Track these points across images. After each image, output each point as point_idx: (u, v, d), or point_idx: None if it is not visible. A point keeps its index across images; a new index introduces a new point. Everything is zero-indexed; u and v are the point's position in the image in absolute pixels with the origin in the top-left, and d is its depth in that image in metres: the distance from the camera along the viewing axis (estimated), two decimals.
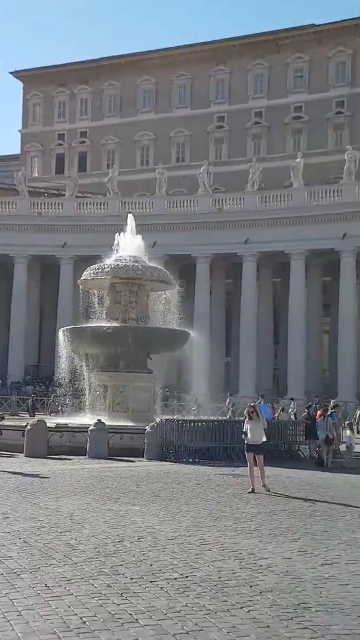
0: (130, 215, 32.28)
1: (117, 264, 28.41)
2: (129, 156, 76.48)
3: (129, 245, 30.31)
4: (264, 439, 16.04)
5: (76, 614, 6.54)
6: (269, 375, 53.18)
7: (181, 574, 8.06)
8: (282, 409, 31.89)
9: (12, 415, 35.21)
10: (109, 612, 6.63)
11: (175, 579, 7.87)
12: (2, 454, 20.91)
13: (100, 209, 55.46)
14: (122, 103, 78.30)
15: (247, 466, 15.95)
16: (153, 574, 8.04)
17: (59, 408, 36.78)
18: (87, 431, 21.26)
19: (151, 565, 8.43)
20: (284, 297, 52.70)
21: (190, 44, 76.21)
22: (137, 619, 6.46)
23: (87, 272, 29.09)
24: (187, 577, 7.97)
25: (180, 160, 74.17)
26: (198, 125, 73.91)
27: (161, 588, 7.49)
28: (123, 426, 23.47)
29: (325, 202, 49.58)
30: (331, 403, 24.54)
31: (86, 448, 20.88)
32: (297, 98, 71.37)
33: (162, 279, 28.90)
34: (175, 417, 25.14)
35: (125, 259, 28.82)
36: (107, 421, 22.65)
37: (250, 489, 15.00)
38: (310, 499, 14.26)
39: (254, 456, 15.59)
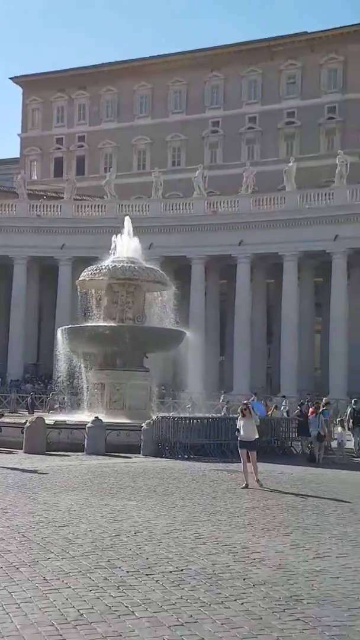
0: (127, 218, 32.25)
1: (115, 265, 28.40)
2: (126, 160, 76.44)
3: (126, 246, 30.30)
4: (256, 435, 16.06)
5: (74, 607, 6.53)
6: (262, 373, 53.19)
7: (176, 567, 8.05)
8: (276, 407, 31.93)
9: (12, 413, 35.10)
10: (106, 605, 6.62)
11: (171, 572, 7.87)
12: (1, 450, 20.84)
13: (97, 211, 55.42)
14: (119, 108, 78.26)
15: (240, 462, 15.96)
16: (149, 567, 8.04)
17: (58, 405, 36.74)
18: (84, 428, 21.24)
19: (147, 558, 8.43)
20: (277, 298, 52.71)
21: (185, 51, 76.29)
22: (133, 611, 6.46)
23: (85, 273, 29.08)
24: (182, 570, 7.96)
25: (176, 164, 74.13)
26: (193, 130, 73.91)
27: (157, 581, 7.48)
28: (120, 423, 23.46)
29: (317, 205, 49.61)
30: (323, 401, 24.57)
31: (84, 444, 20.85)
32: (290, 104, 71.42)
33: (158, 279, 28.90)
34: (171, 414, 25.13)
35: (122, 260, 28.82)
36: (105, 418, 22.63)
37: (244, 485, 15.01)
38: (302, 494, 14.27)
39: (247, 452, 15.60)
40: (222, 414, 32.66)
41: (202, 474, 17.19)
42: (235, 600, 6.89)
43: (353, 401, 27.12)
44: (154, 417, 22.21)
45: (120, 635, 5.83)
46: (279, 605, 6.78)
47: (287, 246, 48.82)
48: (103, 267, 28.55)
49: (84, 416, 25.08)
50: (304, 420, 23.11)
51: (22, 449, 20.80)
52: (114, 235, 31.06)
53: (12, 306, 54.31)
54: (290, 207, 49.77)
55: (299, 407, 25.89)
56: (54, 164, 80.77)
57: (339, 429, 22.96)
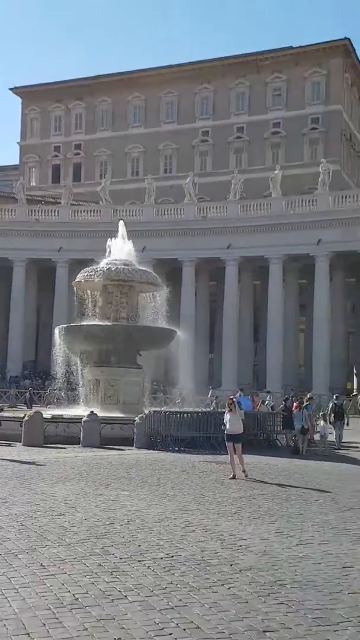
0: (121, 222, 32.20)
1: (109, 267, 28.34)
2: (120, 167, 76.34)
3: (120, 249, 30.24)
4: (242, 429, 16.04)
5: (69, 591, 6.52)
6: (249, 370, 53.24)
7: (167, 554, 8.06)
8: (263, 402, 31.92)
9: (11, 407, 35.01)
10: (100, 590, 6.62)
11: (162, 558, 7.87)
12: (1, 443, 20.79)
13: (93, 216, 55.31)
14: (114, 118, 78.14)
15: (228, 454, 15.96)
16: (141, 554, 8.03)
17: (55, 400, 36.62)
18: (80, 422, 21.19)
19: (139, 545, 8.43)
20: (263, 299, 52.76)
21: (177, 64, 76.27)
22: (125, 596, 6.46)
23: (81, 275, 29.00)
24: (172, 556, 7.97)
25: (168, 172, 74.09)
26: (184, 139, 73.88)
27: (148, 567, 7.48)
28: (114, 417, 23.41)
29: (301, 210, 49.72)
30: (307, 396, 24.60)
31: (80, 437, 20.82)
32: (275, 115, 71.50)
33: (151, 281, 28.87)
34: (162, 409, 25.11)
35: (117, 263, 28.75)
36: (100, 413, 22.58)
37: (231, 475, 15.02)
38: (286, 485, 14.29)
39: (233, 445, 15.61)
40: (212, 408, 32.65)
41: (192, 465, 17.19)
42: (223, 585, 6.90)
43: (335, 396, 27.23)
44: (146, 412, 22.17)
45: (114, 619, 5.83)
46: (264, 589, 6.80)
47: (272, 250, 48.87)
48: (98, 269, 28.49)
49: (80, 411, 25.03)
50: (288, 415, 23.15)
51: (20, 441, 20.75)
52: (109, 239, 30.98)
53: (11, 306, 54.18)
54: (275, 213, 49.84)
55: (283, 402, 25.92)
56: (51, 171, 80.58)
57: (322, 422, 23.02)
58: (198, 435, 21.56)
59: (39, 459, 17.23)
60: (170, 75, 74.53)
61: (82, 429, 20.87)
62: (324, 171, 48.81)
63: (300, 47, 70.75)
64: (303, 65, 70.13)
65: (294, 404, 22.84)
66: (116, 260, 29.14)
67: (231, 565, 7.67)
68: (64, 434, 21.79)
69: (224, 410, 17.46)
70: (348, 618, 6.04)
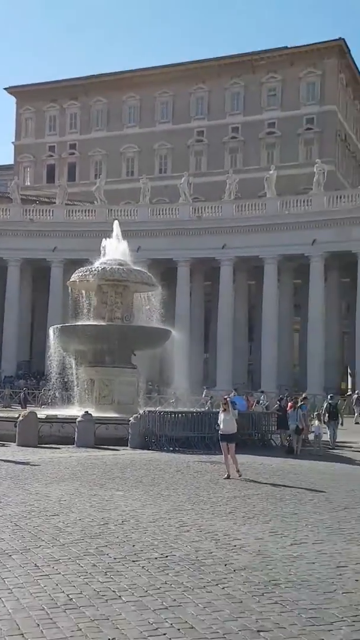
0: (116, 222, 32.18)
1: (104, 267, 28.32)
2: (115, 167, 76.24)
3: (114, 249, 30.22)
4: (235, 429, 16.03)
5: (63, 592, 6.51)
6: (244, 370, 53.25)
7: (161, 554, 8.05)
8: (257, 402, 31.96)
9: (5, 407, 34.99)
10: (94, 590, 6.61)
11: (156, 558, 7.87)
12: None
13: (88, 215, 55.23)
14: (109, 118, 78.05)
15: (222, 454, 15.95)
16: (135, 554, 8.03)
17: (49, 401, 36.54)
18: (75, 422, 21.16)
19: (133, 546, 8.42)
20: (258, 299, 52.82)
21: (172, 64, 76.24)
22: (120, 596, 6.45)
23: (76, 275, 28.96)
24: (166, 556, 7.96)
25: (163, 172, 74.06)
26: (179, 139, 73.86)
27: (142, 567, 7.48)
28: (109, 417, 23.38)
29: (296, 211, 49.78)
30: (301, 396, 24.63)
31: (74, 438, 20.78)
32: (270, 115, 71.55)
33: (145, 281, 28.85)
34: (157, 409, 25.10)
35: (112, 263, 28.74)
36: (94, 413, 22.55)
37: (225, 475, 15.02)
38: (280, 484, 14.30)
39: (227, 444, 15.60)
40: (206, 408, 32.66)
41: (187, 465, 17.19)
42: (217, 584, 6.90)
43: (329, 396, 27.29)
44: (141, 412, 22.16)
45: (108, 619, 5.82)
46: (258, 589, 6.80)
47: (267, 250, 48.90)
48: (93, 268, 28.46)
49: (75, 411, 24.98)
50: (283, 414, 23.16)
51: (15, 441, 20.70)
52: (104, 239, 30.97)
53: (5, 306, 54.07)
54: (270, 213, 49.87)
55: (278, 402, 25.94)
56: (46, 171, 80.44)
57: (316, 422, 23.06)
58: (193, 435, 21.54)
59: (33, 459, 17.19)
60: (165, 75, 74.50)
61: (76, 429, 20.84)
62: (318, 171, 48.89)
63: (296, 47, 70.84)
64: (298, 65, 70.22)
65: (289, 404, 22.88)
66: (111, 260, 29.12)
67: (225, 565, 7.67)
68: (58, 434, 21.75)
69: (218, 410, 17.46)
70: (342, 617, 6.05)
